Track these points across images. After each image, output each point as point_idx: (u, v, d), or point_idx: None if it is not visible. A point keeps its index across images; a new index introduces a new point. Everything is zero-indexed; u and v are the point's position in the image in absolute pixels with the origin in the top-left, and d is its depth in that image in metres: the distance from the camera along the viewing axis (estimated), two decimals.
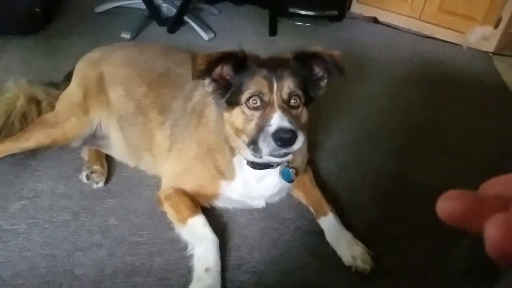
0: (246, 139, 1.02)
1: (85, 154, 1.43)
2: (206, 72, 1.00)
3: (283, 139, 0.93)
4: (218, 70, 1.03)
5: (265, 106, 0.99)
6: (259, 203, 1.27)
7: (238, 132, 1.04)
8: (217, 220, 1.25)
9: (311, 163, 1.52)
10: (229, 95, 1.03)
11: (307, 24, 2.95)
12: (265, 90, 0.99)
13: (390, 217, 1.37)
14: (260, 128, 0.97)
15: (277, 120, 0.94)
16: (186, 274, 1.08)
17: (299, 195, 1.36)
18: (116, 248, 1.14)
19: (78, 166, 1.39)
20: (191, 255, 1.10)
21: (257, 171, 1.15)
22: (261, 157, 1.02)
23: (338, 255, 1.17)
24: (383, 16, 3.14)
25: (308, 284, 1.12)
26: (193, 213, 1.16)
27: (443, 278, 1.14)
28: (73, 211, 1.24)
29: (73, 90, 1.41)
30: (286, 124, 0.93)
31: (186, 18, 2.58)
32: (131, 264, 1.10)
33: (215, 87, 1.05)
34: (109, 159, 1.45)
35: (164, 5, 2.66)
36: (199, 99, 1.24)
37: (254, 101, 0.99)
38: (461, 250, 0.82)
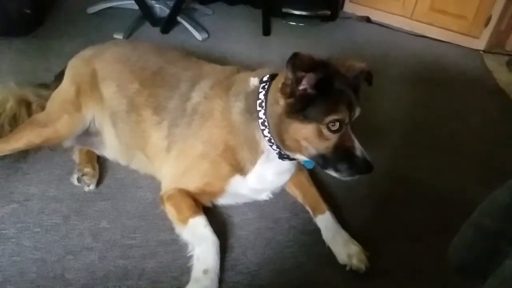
0: (313, 152, 1.07)
1: (76, 156, 1.41)
2: (307, 70, 0.97)
3: (371, 167, 1.03)
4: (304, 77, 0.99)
5: (342, 130, 1.05)
6: (266, 195, 1.30)
7: (306, 144, 1.06)
8: (212, 222, 1.23)
9: None
10: (310, 109, 1.01)
11: (300, 24, 2.96)
12: (347, 119, 1.05)
13: (384, 216, 1.37)
14: (339, 152, 1.04)
15: (362, 152, 1.05)
16: (179, 277, 1.07)
17: (296, 194, 1.36)
18: (107, 251, 1.13)
19: (69, 169, 1.37)
20: (190, 256, 1.09)
21: (282, 162, 1.19)
22: (326, 168, 1.08)
23: (332, 254, 1.17)
24: (375, 16, 3.16)
25: (302, 284, 1.11)
26: (195, 213, 1.15)
27: (438, 276, 1.14)
28: (64, 214, 1.22)
29: (66, 87, 1.39)
30: (368, 156, 1.04)
31: (179, 19, 2.57)
32: (123, 267, 1.09)
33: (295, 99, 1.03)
34: (100, 162, 1.44)
35: (157, 5, 2.64)
36: (200, 100, 1.24)
37: (333, 125, 1.03)
38: (454, 247, 0.82)
